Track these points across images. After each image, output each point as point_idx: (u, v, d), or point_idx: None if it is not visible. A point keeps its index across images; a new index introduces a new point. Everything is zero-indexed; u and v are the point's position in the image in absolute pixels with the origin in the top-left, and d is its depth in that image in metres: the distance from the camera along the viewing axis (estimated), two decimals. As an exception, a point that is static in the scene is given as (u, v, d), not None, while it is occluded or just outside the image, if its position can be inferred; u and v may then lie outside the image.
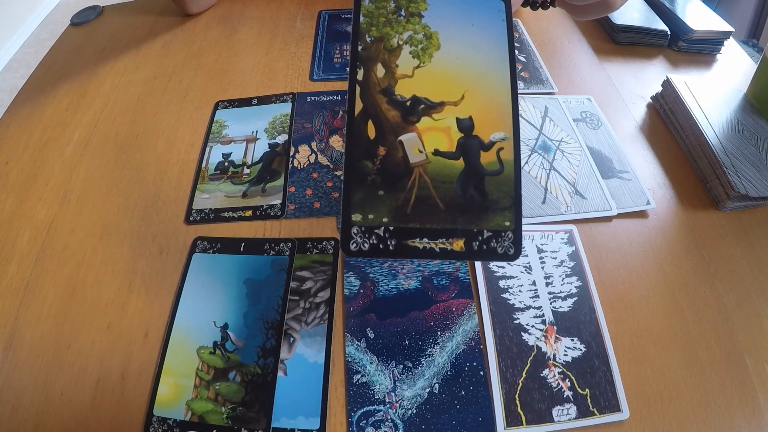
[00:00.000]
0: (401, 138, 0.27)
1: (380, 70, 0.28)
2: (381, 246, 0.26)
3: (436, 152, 0.27)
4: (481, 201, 0.27)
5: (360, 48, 0.29)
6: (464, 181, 0.27)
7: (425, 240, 0.26)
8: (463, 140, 0.27)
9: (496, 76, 0.28)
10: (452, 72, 0.28)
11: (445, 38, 0.29)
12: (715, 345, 0.36)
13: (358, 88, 0.28)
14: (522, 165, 0.43)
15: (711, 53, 0.61)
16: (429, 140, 0.27)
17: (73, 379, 0.34)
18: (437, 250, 0.26)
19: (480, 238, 0.26)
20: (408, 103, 0.28)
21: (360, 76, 0.28)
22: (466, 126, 0.27)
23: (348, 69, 0.28)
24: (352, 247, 0.26)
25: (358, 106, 0.28)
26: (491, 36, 0.29)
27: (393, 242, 0.26)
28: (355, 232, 0.26)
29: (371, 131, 0.27)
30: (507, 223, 0.26)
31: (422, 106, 0.28)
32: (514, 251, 0.26)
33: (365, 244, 0.26)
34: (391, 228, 0.26)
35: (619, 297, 0.38)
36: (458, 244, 0.26)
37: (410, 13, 0.29)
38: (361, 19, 0.29)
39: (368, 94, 0.28)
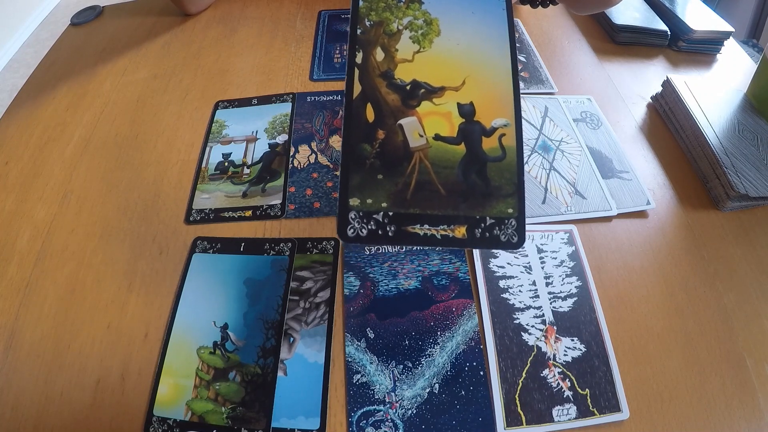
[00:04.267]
0: (401, 122, 0.27)
1: (379, 54, 0.28)
2: (380, 232, 0.25)
3: (437, 137, 0.27)
4: (484, 187, 0.26)
5: (359, 31, 0.28)
6: (466, 166, 0.26)
7: (426, 226, 0.25)
8: (464, 125, 0.27)
9: (497, 64, 0.28)
10: (453, 58, 0.28)
11: (446, 25, 0.29)
12: (715, 345, 0.36)
13: (356, 71, 0.28)
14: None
15: (711, 53, 0.61)
16: (429, 125, 0.27)
17: (73, 379, 0.34)
18: (438, 237, 0.25)
19: (483, 225, 0.25)
20: (408, 87, 0.27)
21: (359, 59, 0.28)
22: (467, 111, 0.27)
23: (346, 52, 0.28)
24: (350, 232, 0.25)
25: (357, 89, 0.27)
26: (492, 24, 0.29)
27: (392, 228, 0.25)
28: (353, 217, 0.25)
29: (370, 114, 0.27)
30: (510, 210, 0.26)
31: (422, 90, 0.27)
32: (518, 239, 0.25)
33: (363, 230, 0.25)
34: (391, 213, 0.25)
35: (619, 297, 0.38)
36: (460, 231, 0.25)
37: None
38: (361, 3, 0.29)
39: (367, 78, 0.28)
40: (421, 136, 0.27)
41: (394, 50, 0.28)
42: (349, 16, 0.29)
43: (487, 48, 0.29)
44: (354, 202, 0.25)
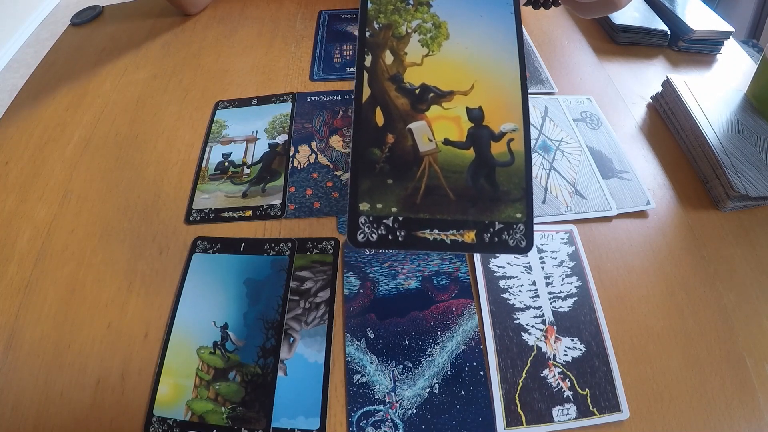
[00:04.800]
0: (410, 126, 0.27)
1: (389, 57, 0.28)
2: (390, 237, 0.25)
3: (446, 141, 0.27)
4: (492, 192, 0.26)
5: (368, 34, 0.28)
6: (475, 171, 0.26)
7: (435, 231, 0.25)
8: (473, 130, 0.27)
9: (506, 68, 0.28)
10: (462, 61, 0.28)
11: (454, 28, 0.29)
12: (715, 345, 0.36)
13: (365, 75, 0.28)
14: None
15: (711, 53, 0.61)
16: (439, 129, 0.27)
17: (73, 379, 0.34)
18: (448, 241, 0.25)
19: (491, 229, 0.25)
20: (417, 91, 0.27)
21: (368, 62, 0.28)
22: (476, 116, 0.27)
23: (356, 55, 0.28)
24: (360, 237, 0.25)
25: (366, 92, 0.27)
26: (500, 27, 0.29)
27: (402, 233, 0.25)
28: (363, 221, 0.25)
29: (379, 118, 0.27)
30: (518, 215, 0.26)
31: (432, 94, 0.27)
32: (526, 244, 0.25)
33: (373, 235, 0.25)
34: (401, 218, 0.25)
35: (619, 297, 0.38)
36: (469, 236, 0.25)
37: (418, 2, 0.29)
38: (369, 5, 0.29)
39: (376, 81, 0.27)
40: (431, 140, 0.27)
41: (403, 53, 0.28)
42: (358, 18, 0.29)
43: (496, 52, 0.29)
44: (364, 206, 0.25)
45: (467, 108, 0.27)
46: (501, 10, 0.30)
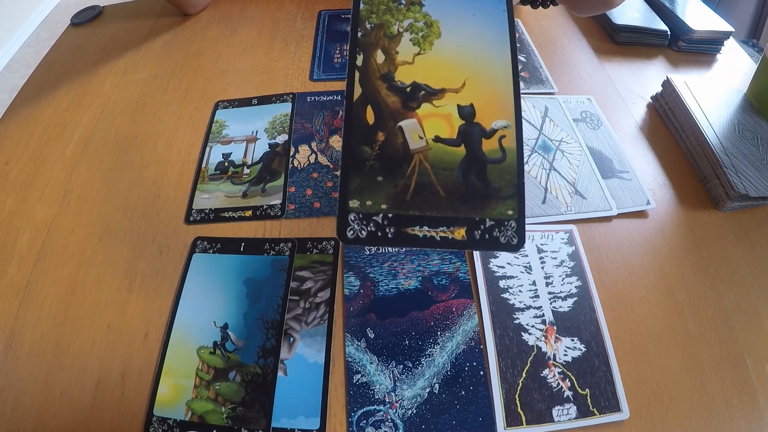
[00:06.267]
0: (401, 124, 0.27)
1: (380, 57, 0.28)
2: (379, 234, 0.25)
3: (437, 139, 0.27)
4: (483, 189, 0.26)
5: (360, 34, 0.29)
6: (466, 168, 0.26)
7: (425, 228, 0.25)
8: (464, 127, 0.27)
9: (498, 65, 0.28)
10: (453, 60, 0.28)
11: (446, 27, 0.29)
12: (715, 345, 0.36)
13: (357, 74, 0.28)
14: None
15: (711, 53, 0.61)
16: (429, 127, 0.27)
17: (73, 379, 0.34)
18: (438, 238, 0.25)
19: (482, 227, 0.25)
20: (408, 89, 0.28)
21: (359, 61, 0.28)
22: (467, 113, 0.27)
23: (347, 54, 0.28)
24: (349, 234, 0.25)
25: (357, 91, 0.27)
26: (492, 25, 0.29)
27: (392, 230, 0.25)
28: (353, 218, 0.25)
29: (370, 117, 0.27)
30: (510, 212, 0.26)
31: (423, 92, 0.28)
32: (518, 241, 0.25)
33: (363, 232, 0.25)
34: (390, 215, 0.25)
35: (619, 297, 0.38)
36: (459, 233, 0.25)
37: (410, 2, 0.29)
38: (361, 6, 0.29)
39: (367, 80, 0.28)
40: (421, 138, 0.27)
41: (395, 52, 0.28)
42: (350, 18, 0.29)
43: (488, 49, 0.29)
44: (354, 203, 0.25)
45: (458, 105, 0.27)
46: (493, 8, 0.30)
